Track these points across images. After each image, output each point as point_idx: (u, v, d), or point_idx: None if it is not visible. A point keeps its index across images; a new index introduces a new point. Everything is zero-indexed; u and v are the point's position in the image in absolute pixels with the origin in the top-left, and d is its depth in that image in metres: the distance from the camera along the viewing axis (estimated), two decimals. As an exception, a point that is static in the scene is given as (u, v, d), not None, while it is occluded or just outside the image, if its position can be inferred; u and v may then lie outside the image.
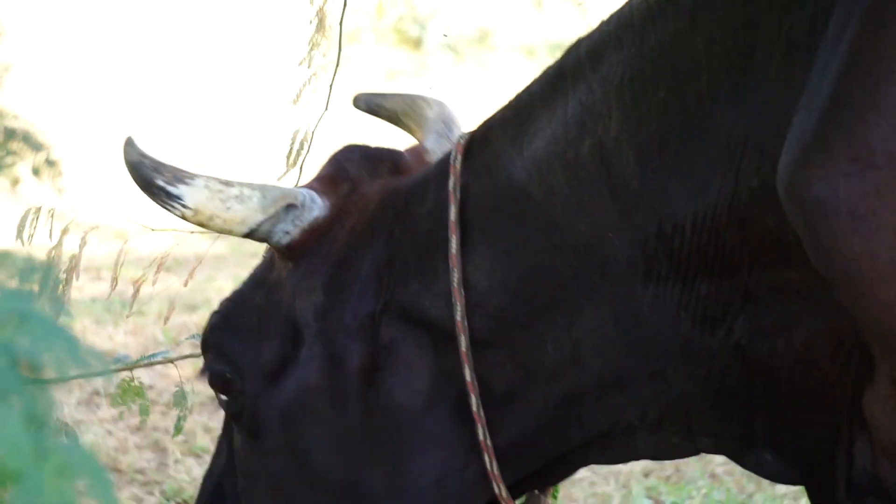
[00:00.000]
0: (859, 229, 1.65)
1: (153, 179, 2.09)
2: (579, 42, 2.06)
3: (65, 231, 2.47)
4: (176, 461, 4.60)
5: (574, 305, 2.00)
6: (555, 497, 2.34)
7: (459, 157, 2.09)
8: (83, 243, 2.42)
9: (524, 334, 2.04)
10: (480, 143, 2.12)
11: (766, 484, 4.32)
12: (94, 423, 4.86)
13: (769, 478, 2.08)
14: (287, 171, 2.48)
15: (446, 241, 2.05)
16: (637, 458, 2.15)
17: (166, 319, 2.68)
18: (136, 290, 2.62)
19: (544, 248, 2.01)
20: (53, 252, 2.36)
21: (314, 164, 2.61)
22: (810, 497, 2.05)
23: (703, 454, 4.41)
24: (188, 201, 2.07)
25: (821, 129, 1.70)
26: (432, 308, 2.07)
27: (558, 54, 2.08)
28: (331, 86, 2.52)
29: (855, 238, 1.66)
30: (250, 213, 2.08)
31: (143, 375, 5.65)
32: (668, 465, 4.34)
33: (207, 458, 4.45)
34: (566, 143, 1.99)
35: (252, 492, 2.22)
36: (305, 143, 2.48)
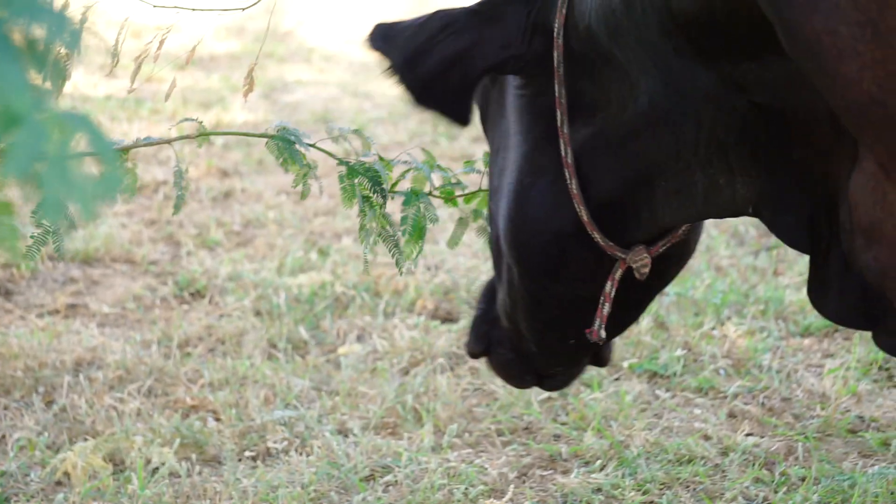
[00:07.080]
0: (819, 7, 1.74)
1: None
2: None
3: (66, 4, 2.42)
4: (189, 253, 4.65)
5: (630, 49, 2.14)
6: None
7: None
8: (83, 19, 2.40)
9: (603, 63, 2.19)
10: None
11: (769, 275, 4.42)
12: (109, 217, 4.92)
13: (781, 238, 2.21)
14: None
15: None
16: (701, 214, 2.27)
17: (167, 97, 2.68)
18: (137, 68, 2.59)
19: None
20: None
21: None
22: (811, 268, 2.20)
23: (709, 248, 4.39)
24: None
25: None
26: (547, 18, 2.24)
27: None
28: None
29: (816, 16, 1.75)
30: None
31: (158, 172, 4.95)
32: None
33: (220, 251, 4.66)
34: None
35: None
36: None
